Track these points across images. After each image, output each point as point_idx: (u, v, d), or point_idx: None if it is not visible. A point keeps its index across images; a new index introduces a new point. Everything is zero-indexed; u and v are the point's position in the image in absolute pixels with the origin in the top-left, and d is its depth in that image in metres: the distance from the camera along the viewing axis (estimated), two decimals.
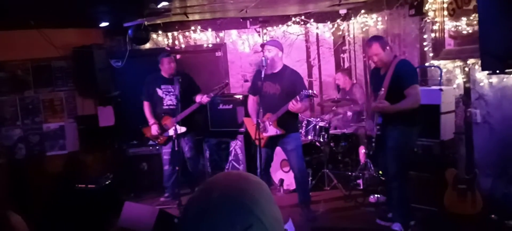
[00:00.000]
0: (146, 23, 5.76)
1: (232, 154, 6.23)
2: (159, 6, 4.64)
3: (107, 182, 5.24)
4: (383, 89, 3.98)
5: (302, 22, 6.97)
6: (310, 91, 4.44)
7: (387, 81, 4.11)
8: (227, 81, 5.68)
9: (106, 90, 6.00)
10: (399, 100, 4.02)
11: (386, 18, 5.93)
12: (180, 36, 6.75)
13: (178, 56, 5.99)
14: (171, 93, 5.50)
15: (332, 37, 7.22)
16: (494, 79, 4.19)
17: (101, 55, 5.88)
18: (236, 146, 6.19)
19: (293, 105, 4.43)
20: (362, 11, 6.35)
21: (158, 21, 6.25)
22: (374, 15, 6.14)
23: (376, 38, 4.32)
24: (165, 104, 5.53)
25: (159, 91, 5.58)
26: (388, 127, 4.18)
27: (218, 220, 0.88)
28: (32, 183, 5.66)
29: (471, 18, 4.29)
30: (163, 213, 4.08)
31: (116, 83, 6.19)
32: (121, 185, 5.74)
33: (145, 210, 4.19)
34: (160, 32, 6.63)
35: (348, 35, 7.11)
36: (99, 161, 6.13)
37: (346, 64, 7.21)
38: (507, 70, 3.53)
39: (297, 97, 4.41)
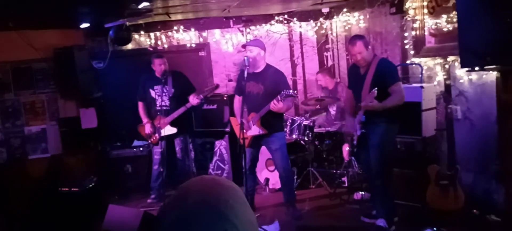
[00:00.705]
0: (127, 23, 5.71)
1: (217, 154, 6.22)
2: (140, 6, 4.60)
3: (90, 185, 5.18)
4: (376, 89, 3.98)
5: (285, 21, 6.98)
6: (291, 91, 4.45)
7: (369, 80, 4.16)
8: (217, 84, 5.66)
9: (88, 92, 5.95)
10: (381, 99, 4.06)
11: (367, 16, 5.98)
12: (163, 36, 6.70)
13: None
14: (164, 94, 5.50)
15: (315, 36, 7.24)
16: (474, 76, 4.26)
17: (82, 56, 5.83)
18: (221, 146, 6.18)
19: (275, 105, 4.44)
20: (344, 9, 6.39)
21: (140, 22, 6.20)
22: (356, 14, 6.19)
23: (359, 37, 4.36)
24: (158, 105, 5.52)
25: (152, 92, 5.58)
26: (370, 125, 4.21)
27: (195, 227, 0.88)
28: (15, 187, 5.57)
29: (451, 16, 4.34)
30: (147, 215, 4.04)
31: (98, 85, 6.15)
32: (105, 188, 5.69)
33: (129, 213, 4.16)
34: (142, 32, 6.57)
35: (331, 33, 7.14)
36: (82, 164, 6.06)
37: (330, 63, 7.24)
38: (486, 67, 3.59)
39: (278, 97, 4.42)
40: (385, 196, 4.32)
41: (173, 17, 6.34)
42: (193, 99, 5.43)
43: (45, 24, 5.62)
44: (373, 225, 4.36)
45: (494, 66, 3.54)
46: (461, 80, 4.43)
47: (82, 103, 6.19)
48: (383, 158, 4.24)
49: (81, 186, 5.09)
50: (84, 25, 5.72)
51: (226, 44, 6.99)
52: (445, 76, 4.66)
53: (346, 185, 5.65)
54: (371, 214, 4.57)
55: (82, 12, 5.00)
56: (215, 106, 6.14)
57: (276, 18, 6.90)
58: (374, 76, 4.16)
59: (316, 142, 5.95)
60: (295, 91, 4.57)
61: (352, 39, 4.33)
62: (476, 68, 3.63)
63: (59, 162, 6.11)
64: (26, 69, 6.04)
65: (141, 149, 6.15)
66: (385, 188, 4.30)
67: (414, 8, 4.85)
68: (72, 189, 5.02)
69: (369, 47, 4.30)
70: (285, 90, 4.45)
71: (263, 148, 5.06)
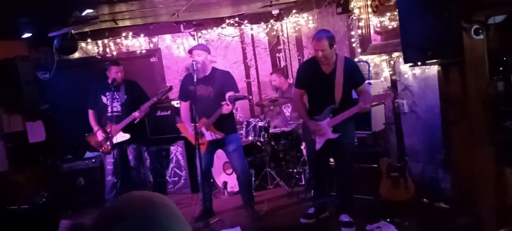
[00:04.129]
0: (72, 31, 5.53)
1: (173, 161, 6.14)
2: (84, 13, 4.46)
3: (41, 201, 5.00)
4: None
5: (237, 24, 7.00)
6: (239, 94, 4.45)
7: (340, 80, 4.11)
8: (170, 85, 5.54)
9: (34, 104, 5.72)
10: (348, 97, 4.18)
11: (316, 17, 6.10)
12: (111, 44, 6.54)
13: None
14: (117, 100, 5.35)
15: (267, 38, 7.31)
16: (417, 70, 4.44)
17: (26, 68, 5.60)
18: (177, 152, 6.10)
19: (227, 107, 4.43)
20: (294, 11, 6.49)
21: (86, 29, 6.03)
22: (305, 15, 6.30)
23: (326, 32, 4.20)
24: (109, 112, 5.33)
25: (104, 99, 5.39)
26: (340, 126, 4.20)
27: None
28: None
29: (394, 13, 4.51)
30: None
31: (45, 96, 5.91)
32: (58, 203, 5.48)
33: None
34: (89, 40, 6.39)
35: (282, 35, 7.24)
36: (31, 180, 5.81)
37: (282, 63, 7.33)
38: (427, 62, 3.76)
39: (228, 100, 4.41)
40: (351, 191, 4.48)
41: (121, 24, 6.21)
42: (141, 111, 5.27)
43: None
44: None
45: (435, 60, 3.70)
46: (406, 75, 4.60)
47: (28, 116, 5.94)
48: (353, 154, 4.39)
49: (31, 203, 4.91)
50: (27, 35, 5.49)
51: (177, 49, 6.92)
52: (391, 72, 4.83)
53: (303, 182, 5.72)
54: (309, 213, 4.56)
55: (23, 22, 4.79)
56: (168, 112, 6.06)
57: (227, 21, 6.91)
58: (345, 76, 4.11)
59: (272, 143, 6.00)
60: (244, 94, 4.55)
61: (318, 34, 4.16)
62: (419, 63, 3.79)
63: (6, 180, 5.82)
64: None
65: (93, 160, 5.97)
66: (352, 184, 4.47)
67: (359, 8, 4.99)
68: (22, 206, 4.83)
69: (334, 46, 4.16)
70: (232, 92, 4.45)
71: (220, 152, 5.03)
